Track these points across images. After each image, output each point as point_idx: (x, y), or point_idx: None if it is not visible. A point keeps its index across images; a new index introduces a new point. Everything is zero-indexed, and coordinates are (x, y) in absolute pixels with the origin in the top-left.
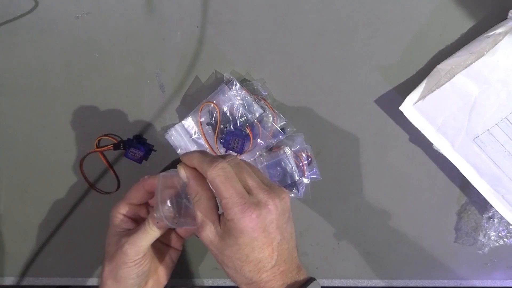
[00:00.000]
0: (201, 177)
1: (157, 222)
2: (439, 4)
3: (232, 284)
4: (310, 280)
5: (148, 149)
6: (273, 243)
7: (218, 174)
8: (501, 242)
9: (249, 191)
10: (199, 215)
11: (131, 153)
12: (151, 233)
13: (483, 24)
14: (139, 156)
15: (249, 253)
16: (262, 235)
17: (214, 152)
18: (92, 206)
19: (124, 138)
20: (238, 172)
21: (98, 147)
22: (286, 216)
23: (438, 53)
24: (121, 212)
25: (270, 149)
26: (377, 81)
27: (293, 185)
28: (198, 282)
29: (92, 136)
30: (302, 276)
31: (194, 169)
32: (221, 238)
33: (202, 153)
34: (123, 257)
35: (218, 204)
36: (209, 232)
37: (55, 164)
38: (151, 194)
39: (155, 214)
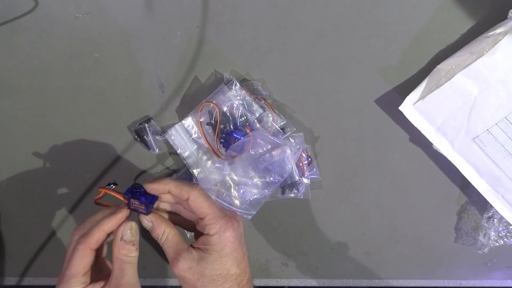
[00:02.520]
0: (163, 218)
1: None
2: (439, 4)
3: None
4: None
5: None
6: (245, 256)
7: (201, 193)
8: (501, 242)
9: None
10: (171, 250)
11: (133, 204)
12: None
13: (483, 24)
14: (142, 208)
15: (230, 267)
16: (240, 247)
17: (215, 152)
18: (92, 206)
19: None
20: None
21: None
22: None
23: (438, 53)
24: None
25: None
26: (377, 81)
27: (293, 185)
28: None
29: (92, 136)
30: None
31: (155, 212)
32: (200, 260)
33: (174, 179)
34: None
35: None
36: (186, 260)
37: (55, 164)
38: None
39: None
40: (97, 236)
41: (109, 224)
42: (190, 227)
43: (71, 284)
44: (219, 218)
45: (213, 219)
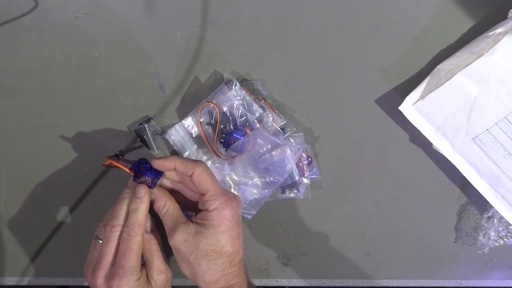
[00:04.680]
0: (165, 191)
1: None
2: (439, 4)
3: None
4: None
5: (155, 175)
6: (240, 237)
7: (205, 170)
8: (501, 242)
9: None
10: (170, 222)
11: (139, 178)
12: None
13: (483, 24)
14: (148, 182)
15: (225, 244)
16: (236, 226)
17: (215, 152)
18: (92, 206)
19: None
20: None
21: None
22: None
23: (438, 53)
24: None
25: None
26: (377, 81)
27: (293, 185)
28: None
29: (92, 136)
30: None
31: (157, 186)
32: (197, 233)
33: (179, 157)
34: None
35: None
36: (183, 232)
37: (55, 164)
38: None
39: None
40: (144, 222)
41: (145, 209)
42: (191, 207)
43: (134, 275)
44: (220, 195)
45: (214, 195)
